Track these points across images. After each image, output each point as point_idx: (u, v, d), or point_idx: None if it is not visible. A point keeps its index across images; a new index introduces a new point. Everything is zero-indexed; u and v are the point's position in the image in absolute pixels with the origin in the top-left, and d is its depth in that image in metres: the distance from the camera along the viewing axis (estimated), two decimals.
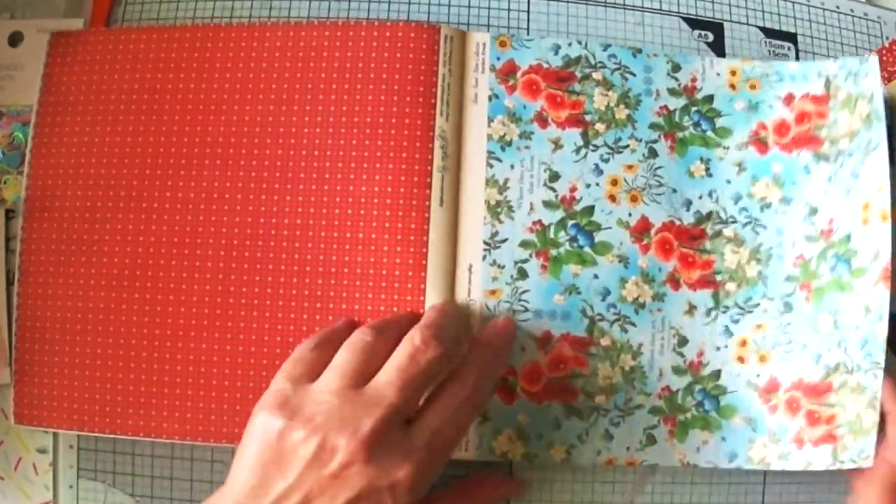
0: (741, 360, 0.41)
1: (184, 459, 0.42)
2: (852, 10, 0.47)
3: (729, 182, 0.42)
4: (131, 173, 0.42)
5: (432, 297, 0.40)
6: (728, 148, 0.42)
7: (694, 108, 0.43)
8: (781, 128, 0.42)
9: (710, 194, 0.42)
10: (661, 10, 0.46)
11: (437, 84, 0.41)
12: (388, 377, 0.34)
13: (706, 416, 0.41)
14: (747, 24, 0.46)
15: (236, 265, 0.41)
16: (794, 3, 0.47)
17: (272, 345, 0.40)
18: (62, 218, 0.42)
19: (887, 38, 0.47)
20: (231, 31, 0.42)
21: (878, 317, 0.38)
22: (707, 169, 0.42)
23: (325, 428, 0.33)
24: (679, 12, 0.46)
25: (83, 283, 0.41)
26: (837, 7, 0.47)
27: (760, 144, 0.43)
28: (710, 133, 0.43)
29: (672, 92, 0.43)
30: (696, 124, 0.42)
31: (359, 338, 0.36)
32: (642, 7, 0.46)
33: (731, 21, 0.46)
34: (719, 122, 0.43)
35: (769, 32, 0.46)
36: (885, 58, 0.45)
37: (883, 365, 0.38)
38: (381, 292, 0.40)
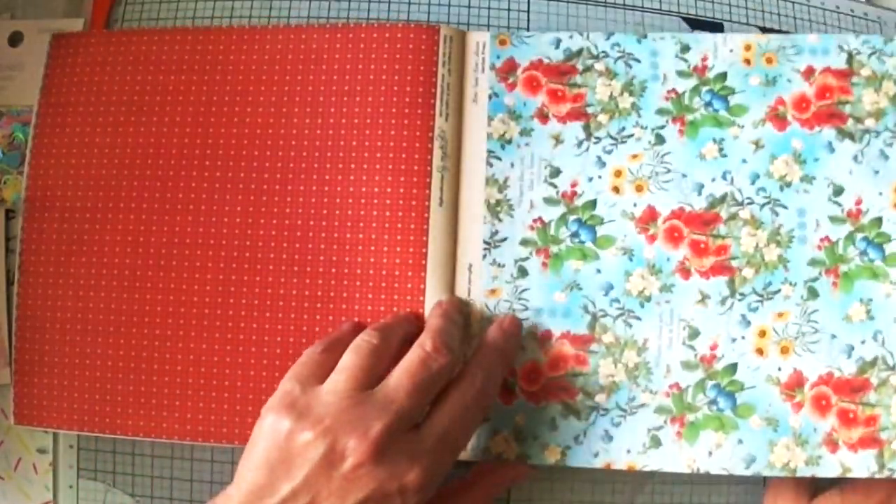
0: (760, 352, 0.38)
1: (184, 459, 0.42)
2: (852, 11, 0.47)
3: (745, 161, 0.40)
4: (132, 174, 0.42)
5: (432, 297, 0.40)
6: (743, 126, 0.40)
7: (705, 88, 0.41)
8: (801, 102, 0.40)
9: (724, 176, 0.40)
10: (661, 10, 0.46)
11: (437, 84, 0.41)
12: (398, 381, 0.34)
13: (721, 416, 0.38)
14: (747, 23, 0.46)
15: (236, 265, 0.41)
16: (794, 3, 0.47)
17: (272, 344, 0.40)
18: (62, 218, 0.42)
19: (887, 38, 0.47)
20: (232, 34, 0.42)
21: None
22: (720, 149, 0.40)
23: (334, 429, 0.33)
24: (679, 12, 0.46)
25: (83, 283, 0.41)
26: (837, 7, 0.47)
27: (779, 120, 0.40)
28: (723, 112, 0.40)
29: (681, 74, 0.41)
30: (708, 104, 0.41)
31: (364, 340, 0.36)
32: (642, 7, 0.46)
33: (731, 21, 0.46)
34: (733, 100, 0.41)
35: (769, 32, 0.46)
36: None
37: None
38: (381, 292, 0.40)
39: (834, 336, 0.38)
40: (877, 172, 0.39)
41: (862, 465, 0.37)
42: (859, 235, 0.39)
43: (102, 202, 0.42)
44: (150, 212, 0.41)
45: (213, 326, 0.40)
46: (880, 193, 0.39)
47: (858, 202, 0.39)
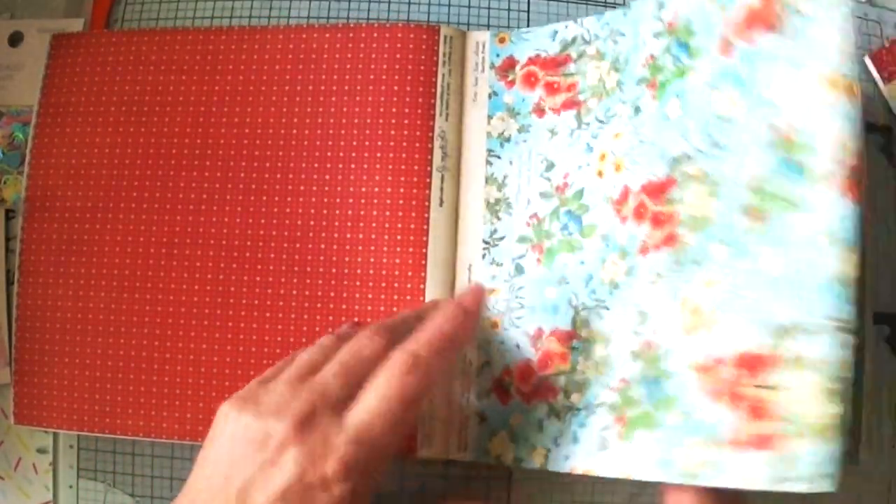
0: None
1: (184, 459, 0.42)
2: (852, 11, 0.47)
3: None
4: (132, 174, 0.42)
5: (432, 297, 0.40)
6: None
7: (676, 43, 0.36)
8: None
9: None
10: None
11: (437, 84, 0.41)
12: (330, 365, 0.34)
13: (648, 413, 0.33)
14: None
15: (236, 265, 0.41)
16: None
17: (272, 345, 0.40)
18: (62, 218, 0.42)
19: (887, 38, 0.47)
20: (232, 34, 0.42)
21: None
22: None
23: (266, 414, 0.32)
24: None
25: (83, 283, 0.41)
26: None
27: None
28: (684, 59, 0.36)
29: (658, 35, 0.37)
30: (676, 59, 0.36)
31: (321, 340, 0.36)
32: None
33: None
34: (693, 42, 0.36)
35: None
36: (884, 58, 0.45)
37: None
38: (381, 292, 0.40)
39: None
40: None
41: (754, 474, 0.30)
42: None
43: (102, 202, 0.42)
44: (150, 212, 0.41)
45: (213, 326, 0.40)
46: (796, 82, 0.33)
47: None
